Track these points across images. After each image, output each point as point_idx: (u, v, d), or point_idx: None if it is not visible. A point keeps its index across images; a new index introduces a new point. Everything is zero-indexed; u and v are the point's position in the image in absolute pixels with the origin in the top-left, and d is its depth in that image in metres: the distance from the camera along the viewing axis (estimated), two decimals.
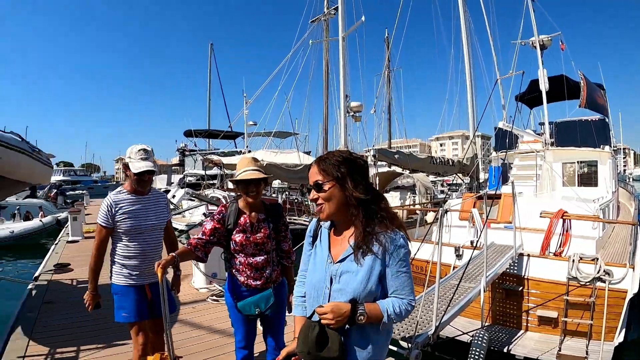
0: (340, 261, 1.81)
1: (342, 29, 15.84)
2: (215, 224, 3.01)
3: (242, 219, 3.02)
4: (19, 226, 17.05)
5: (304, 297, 2.05)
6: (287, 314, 3.26)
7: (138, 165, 3.16)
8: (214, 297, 6.49)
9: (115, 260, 3.26)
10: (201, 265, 6.92)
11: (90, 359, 4.28)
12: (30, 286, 7.14)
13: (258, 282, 3.00)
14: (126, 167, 3.23)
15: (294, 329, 2.04)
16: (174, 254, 2.75)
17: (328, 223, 1.96)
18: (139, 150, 3.20)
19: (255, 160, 3.11)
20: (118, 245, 3.23)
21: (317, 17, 21.54)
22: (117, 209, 3.17)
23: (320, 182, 1.80)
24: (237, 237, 2.98)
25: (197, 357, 4.35)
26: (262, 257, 3.02)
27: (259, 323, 3.27)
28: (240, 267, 3.01)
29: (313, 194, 1.84)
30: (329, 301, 1.79)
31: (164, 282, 2.65)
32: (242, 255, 3.00)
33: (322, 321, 1.69)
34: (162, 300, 2.63)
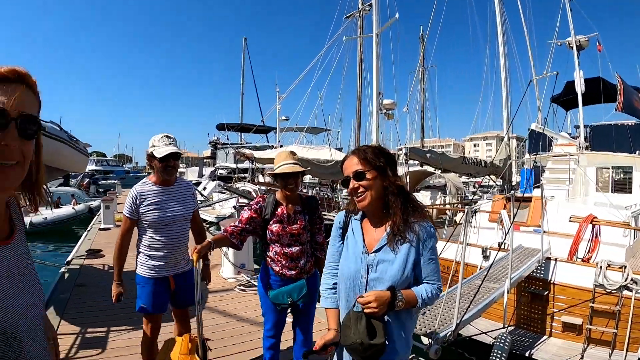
0: (376, 251, 1.90)
1: (376, 26, 15.78)
2: (252, 213, 3.12)
3: (279, 210, 3.12)
4: (52, 213, 17.55)
5: (333, 289, 2.11)
6: (317, 305, 3.34)
7: (162, 150, 3.11)
8: (242, 287, 6.63)
9: (140, 250, 3.26)
10: (230, 255, 7.08)
11: (120, 339, 4.47)
12: (62, 270, 7.41)
13: (292, 272, 3.10)
14: (150, 157, 3.19)
15: (326, 320, 2.09)
16: (209, 240, 2.87)
17: (359, 214, 2.04)
18: (162, 137, 3.18)
19: (293, 154, 3.19)
20: (144, 236, 3.23)
21: (352, 13, 21.50)
22: (142, 200, 3.15)
23: (361, 171, 1.88)
24: (274, 227, 3.08)
25: (224, 342, 4.49)
26: (297, 248, 3.11)
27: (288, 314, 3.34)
28: (276, 256, 3.10)
29: (353, 183, 1.90)
30: (366, 290, 1.87)
31: (198, 266, 2.77)
32: (278, 245, 3.10)
33: (366, 310, 1.78)
34: (195, 284, 2.76)
